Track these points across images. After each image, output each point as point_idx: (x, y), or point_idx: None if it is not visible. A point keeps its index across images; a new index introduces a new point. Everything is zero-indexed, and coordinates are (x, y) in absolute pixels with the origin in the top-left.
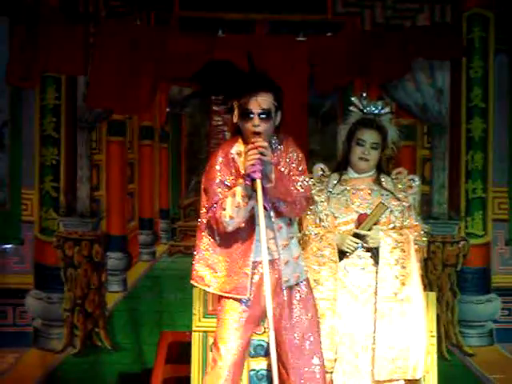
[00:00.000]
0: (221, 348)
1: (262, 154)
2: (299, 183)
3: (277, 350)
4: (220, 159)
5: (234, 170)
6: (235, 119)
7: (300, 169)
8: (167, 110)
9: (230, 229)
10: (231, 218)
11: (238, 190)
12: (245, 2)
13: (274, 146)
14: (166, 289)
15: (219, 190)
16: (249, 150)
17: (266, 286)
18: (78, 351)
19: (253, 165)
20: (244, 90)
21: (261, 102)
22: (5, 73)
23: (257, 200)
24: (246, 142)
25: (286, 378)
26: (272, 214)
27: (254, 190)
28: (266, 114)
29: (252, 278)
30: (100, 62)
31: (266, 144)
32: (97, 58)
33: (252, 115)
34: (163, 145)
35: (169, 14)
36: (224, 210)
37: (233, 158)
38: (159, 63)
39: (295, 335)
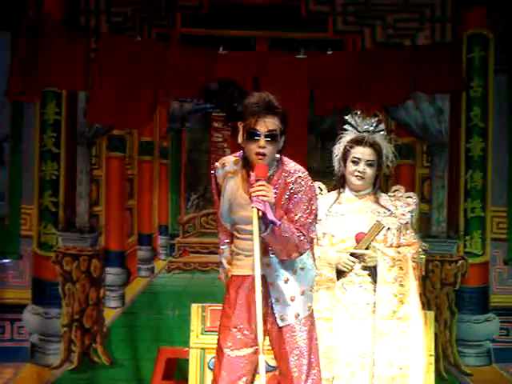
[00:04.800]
0: None
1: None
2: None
3: None
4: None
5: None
6: (240, 140)
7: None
8: (167, 125)
9: None
10: None
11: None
12: (245, 19)
13: (273, 169)
14: (164, 305)
15: None
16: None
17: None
18: (76, 367)
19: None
20: (251, 111)
21: (268, 124)
22: (6, 87)
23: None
24: (248, 165)
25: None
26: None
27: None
28: (272, 137)
29: None
30: (101, 77)
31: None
32: (97, 73)
33: (258, 137)
34: (163, 160)
35: (170, 30)
36: None
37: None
38: (160, 79)
39: None
